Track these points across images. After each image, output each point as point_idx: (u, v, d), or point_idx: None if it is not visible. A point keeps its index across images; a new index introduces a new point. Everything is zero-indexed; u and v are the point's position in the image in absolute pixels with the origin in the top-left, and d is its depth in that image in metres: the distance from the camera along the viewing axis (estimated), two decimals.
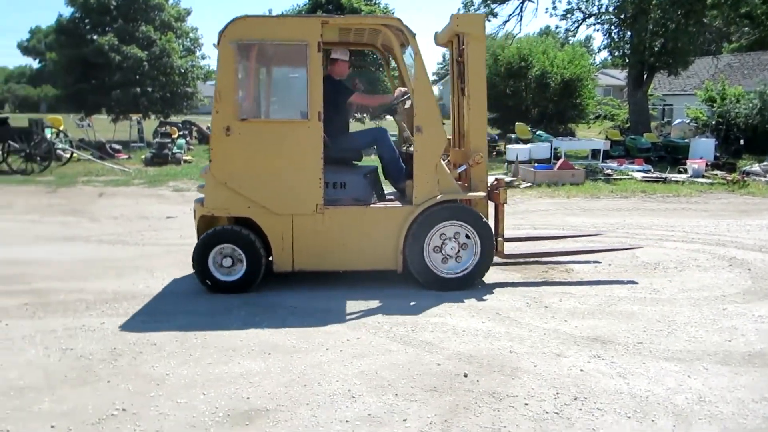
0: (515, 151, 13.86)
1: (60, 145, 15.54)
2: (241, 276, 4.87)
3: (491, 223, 5.15)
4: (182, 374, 3.44)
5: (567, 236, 6.76)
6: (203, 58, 24.90)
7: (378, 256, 4.96)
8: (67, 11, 22.40)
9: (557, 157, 13.79)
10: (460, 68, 5.36)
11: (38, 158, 14.09)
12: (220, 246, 4.84)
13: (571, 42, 25.02)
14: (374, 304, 4.66)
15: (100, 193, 10.87)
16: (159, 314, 4.43)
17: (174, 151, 15.86)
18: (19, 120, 17.88)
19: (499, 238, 5.18)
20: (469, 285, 5.01)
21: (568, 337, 3.98)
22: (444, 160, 5.21)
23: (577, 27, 21.65)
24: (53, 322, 4.28)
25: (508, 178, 12.11)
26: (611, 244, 6.66)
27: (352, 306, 4.61)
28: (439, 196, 4.92)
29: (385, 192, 5.67)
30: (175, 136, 18.30)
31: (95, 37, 21.47)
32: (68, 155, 15.59)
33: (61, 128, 16.66)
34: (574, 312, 4.50)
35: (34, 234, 7.47)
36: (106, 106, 21.53)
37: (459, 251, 4.99)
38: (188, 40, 23.87)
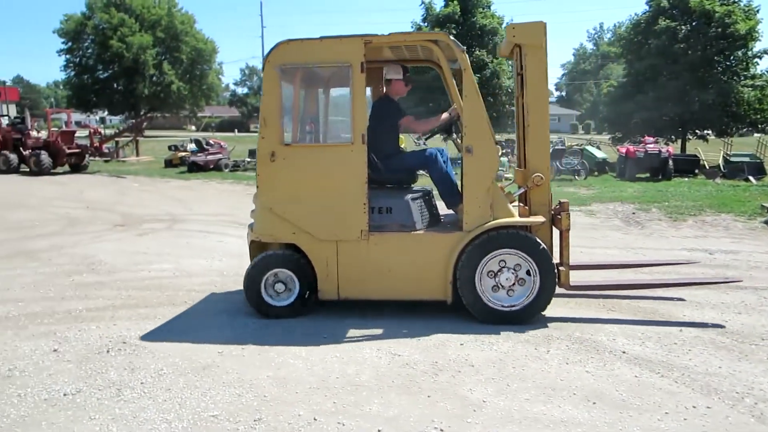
0: None
1: None
2: (293, 300, 4.82)
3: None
4: (499, 405, 3.28)
5: (650, 264, 6.05)
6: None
7: (426, 285, 4.72)
8: None
9: None
10: (521, 81, 4.84)
11: None
12: (273, 270, 4.80)
13: None
14: (730, 365, 3.76)
15: None
16: (477, 335, 4.38)
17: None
18: None
19: (562, 268, 4.70)
20: (527, 319, 4.59)
21: None
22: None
23: None
24: (382, 323, 4.66)
25: None
26: (705, 277, 5.72)
27: (701, 363, 3.80)
28: (492, 222, 4.54)
29: (443, 215, 5.28)
30: (499, 154, 18.97)
31: None
32: None
33: (403, 146, 18.91)
34: None
35: None
36: None
37: (515, 282, 4.61)
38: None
